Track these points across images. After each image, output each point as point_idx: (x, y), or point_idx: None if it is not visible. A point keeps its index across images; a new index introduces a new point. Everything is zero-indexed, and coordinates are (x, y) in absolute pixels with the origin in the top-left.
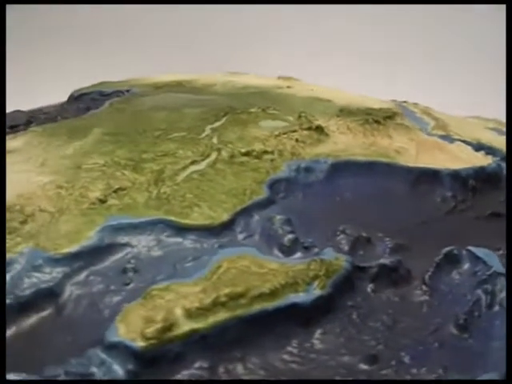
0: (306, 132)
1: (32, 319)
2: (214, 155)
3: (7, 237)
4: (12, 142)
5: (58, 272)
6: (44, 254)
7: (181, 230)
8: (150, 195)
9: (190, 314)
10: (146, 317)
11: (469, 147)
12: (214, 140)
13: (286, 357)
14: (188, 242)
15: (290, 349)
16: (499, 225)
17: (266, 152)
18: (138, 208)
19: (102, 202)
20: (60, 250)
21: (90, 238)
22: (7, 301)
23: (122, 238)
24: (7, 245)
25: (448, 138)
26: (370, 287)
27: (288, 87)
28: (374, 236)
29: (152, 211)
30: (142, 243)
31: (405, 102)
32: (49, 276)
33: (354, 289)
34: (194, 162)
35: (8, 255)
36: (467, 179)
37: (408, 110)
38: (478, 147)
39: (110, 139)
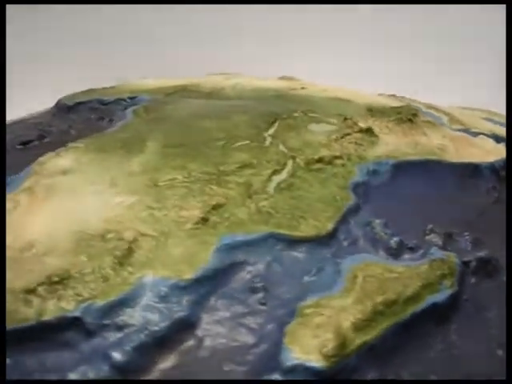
0: (359, 135)
1: (175, 354)
2: (290, 164)
3: (117, 267)
4: (58, 161)
5: (187, 300)
6: (167, 283)
7: (291, 242)
8: (250, 210)
9: (356, 327)
10: (317, 335)
11: (490, 140)
12: (281, 148)
13: (438, 355)
14: (301, 255)
15: (439, 347)
16: None
17: (336, 157)
18: (245, 224)
19: (205, 220)
20: (183, 276)
21: (208, 260)
22: (142, 337)
23: (239, 257)
24: (121, 277)
25: (469, 131)
26: (472, 280)
27: (302, 88)
28: (454, 232)
29: (261, 226)
30: (259, 260)
31: (403, 97)
32: (178, 305)
33: (465, 283)
34: (275, 172)
35: (128, 287)
36: (500, 170)
37: (416, 105)
38: (496, 139)
39: (174, 152)
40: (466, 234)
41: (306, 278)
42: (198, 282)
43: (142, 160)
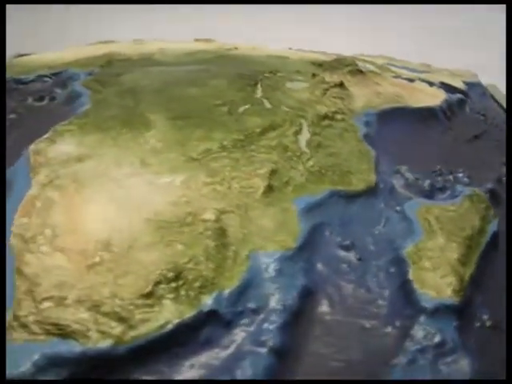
0: (336, 89)
1: (315, 325)
2: (303, 122)
3: (222, 250)
4: (60, 147)
5: (299, 268)
6: (277, 256)
7: (350, 197)
8: (301, 171)
9: (461, 263)
10: (441, 275)
11: (424, 84)
12: (284, 108)
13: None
14: (362, 208)
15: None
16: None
17: (334, 113)
18: (306, 186)
19: (270, 188)
20: (288, 246)
21: (300, 226)
22: (281, 316)
23: (316, 219)
24: (231, 259)
25: (403, 78)
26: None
27: (235, 48)
28: (453, 170)
29: (320, 186)
30: (333, 218)
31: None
32: (296, 275)
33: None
34: (297, 132)
35: (244, 268)
36: (447, 111)
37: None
38: (428, 83)
39: (185, 123)
40: (461, 170)
41: (381, 228)
42: (300, 249)
43: (158, 135)
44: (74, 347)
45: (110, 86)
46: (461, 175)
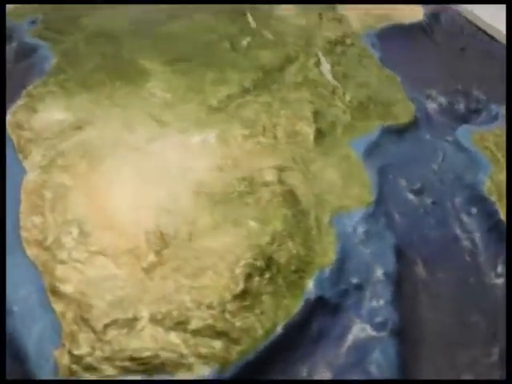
0: (329, 12)
1: (420, 283)
2: (319, 52)
3: (301, 218)
4: (48, 115)
5: (382, 225)
6: (360, 214)
7: (399, 131)
8: (342, 108)
9: None
10: None
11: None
12: (290, 38)
13: None
14: (412, 143)
15: None
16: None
17: (344, 36)
18: (355, 125)
19: (320, 132)
20: (366, 201)
21: (370, 176)
22: (385, 287)
23: (378, 161)
24: (318, 229)
25: None
26: None
27: None
28: (468, 88)
29: (368, 123)
30: (394, 157)
31: None
32: (382, 232)
33: None
34: (317, 64)
35: (333, 237)
36: (431, 24)
37: None
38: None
39: (191, 66)
40: (474, 87)
41: (441, 163)
42: (377, 202)
43: (161, 85)
44: None
45: (70, 33)
46: (477, 92)
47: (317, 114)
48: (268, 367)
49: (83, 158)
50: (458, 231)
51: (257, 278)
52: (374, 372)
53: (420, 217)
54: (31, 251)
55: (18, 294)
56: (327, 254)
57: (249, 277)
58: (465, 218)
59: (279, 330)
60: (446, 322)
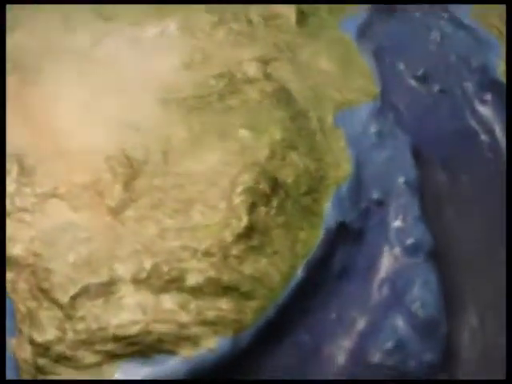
0: None
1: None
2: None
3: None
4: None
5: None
6: None
7: (389, 11)
8: None
9: None
10: None
11: None
12: None
13: None
14: (402, 20)
15: None
16: None
17: None
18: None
19: (304, 15)
20: (370, 92)
21: (362, 57)
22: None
23: (372, 43)
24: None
25: None
26: None
27: None
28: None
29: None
30: (387, 39)
31: None
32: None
33: None
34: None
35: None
36: None
37: None
38: None
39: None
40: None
41: (439, 42)
42: (382, 94)
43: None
44: None
45: None
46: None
47: None
48: (291, 324)
49: (13, 70)
50: (474, 123)
51: (263, 208)
52: (420, 313)
53: (430, 109)
54: None
55: None
56: (341, 165)
57: (252, 207)
58: (479, 107)
59: (299, 273)
60: (478, 233)
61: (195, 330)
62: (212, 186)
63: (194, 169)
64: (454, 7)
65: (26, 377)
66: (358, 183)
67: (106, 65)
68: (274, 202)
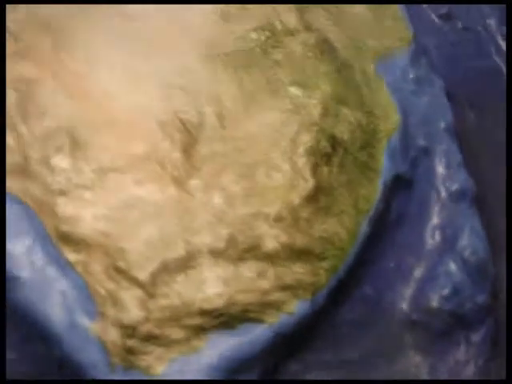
0: None
1: None
2: None
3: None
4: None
5: None
6: None
7: None
8: None
9: None
10: None
11: None
12: None
13: None
14: None
15: None
16: None
17: None
18: None
19: None
20: (406, 38)
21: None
22: None
23: None
24: None
25: None
26: None
27: None
28: None
29: None
30: None
31: None
32: None
33: None
34: None
35: None
36: None
37: None
38: None
39: None
40: None
41: None
42: (414, 40)
43: None
44: None
45: None
46: None
47: None
48: (356, 278)
49: (45, 33)
50: (498, 60)
51: (325, 168)
52: (471, 259)
53: (456, 47)
54: (12, 183)
55: (16, 250)
56: (389, 116)
57: (316, 167)
58: (501, 42)
59: (365, 227)
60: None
61: (276, 295)
62: (272, 146)
63: (251, 130)
64: None
65: (115, 359)
66: (406, 133)
67: (140, 20)
68: (335, 161)
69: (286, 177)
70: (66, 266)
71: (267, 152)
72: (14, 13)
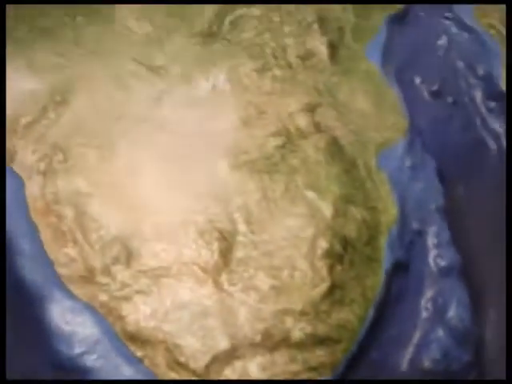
0: None
1: None
2: None
3: None
4: (21, 83)
5: None
6: None
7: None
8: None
9: None
10: None
11: None
12: None
13: None
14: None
15: None
16: None
17: None
18: (364, 28)
19: (335, 49)
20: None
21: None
22: None
23: (390, 61)
24: None
25: None
26: None
27: None
28: None
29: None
30: (401, 53)
31: None
32: None
33: None
34: None
35: None
36: None
37: None
38: None
39: None
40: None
41: (447, 49)
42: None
43: (134, 13)
44: None
45: None
46: None
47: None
48: (364, 347)
49: (88, 146)
50: (484, 133)
51: (339, 267)
52: (458, 326)
53: (446, 122)
54: (81, 290)
55: (88, 344)
56: (389, 209)
57: (331, 267)
58: (487, 116)
59: (371, 312)
60: (494, 238)
61: (305, 375)
62: (294, 249)
63: (276, 234)
64: (456, 7)
65: None
66: (403, 222)
67: (171, 130)
68: (347, 259)
69: (307, 277)
70: (134, 359)
71: (290, 255)
72: (57, 127)
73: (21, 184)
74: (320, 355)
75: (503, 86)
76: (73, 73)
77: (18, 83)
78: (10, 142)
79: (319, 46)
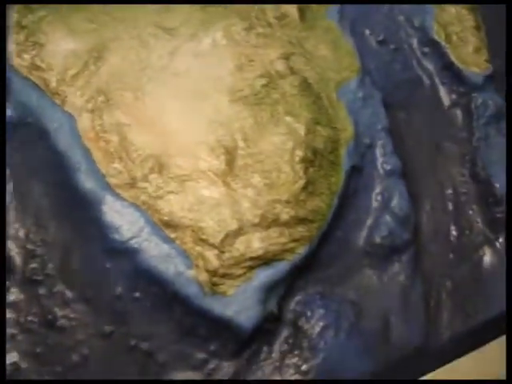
0: None
1: None
2: None
3: None
4: (54, 48)
5: None
6: None
7: None
8: None
9: None
10: None
11: None
12: None
13: None
14: None
15: None
16: None
17: None
18: None
19: (303, 12)
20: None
21: (346, 40)
22: None
23: (348, 21)
24: None
25: None
26: None
27: None
28: None
29: None
30: (357, 13)
31: None
32: None
33: None
34: None
35: None
36: None
37: None
38: None
39: None
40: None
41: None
42: (363, 68)
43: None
44: None
45: None
46: None
47: None
48: (330, 228)
49: (123, 90)
50: (420, 72)
51: (311, 169)
52: (399, 213)
53: (390, 64)
54: (127, 193)
55: (135, 231)
56: (347, 128)
57: (306, 169)
58: (422, 59)
59: (336, 201)
60: (428, 150)
61: (291, 245)
62: (279, 157)
63: (265, 148)
64: None
65: (206, 290)
66: (357, 137)
67: (183, 75)
68: (316, 163)
69: (289, 176)
70: (168, 240)
71: (277, 162)
72: (97, 76)
73: (74, 120)
74: (301, 231)
75: (434, 35)
76: (104, 35)
77: (62, 45)
78: (61, 89)
79: (291, 9)
